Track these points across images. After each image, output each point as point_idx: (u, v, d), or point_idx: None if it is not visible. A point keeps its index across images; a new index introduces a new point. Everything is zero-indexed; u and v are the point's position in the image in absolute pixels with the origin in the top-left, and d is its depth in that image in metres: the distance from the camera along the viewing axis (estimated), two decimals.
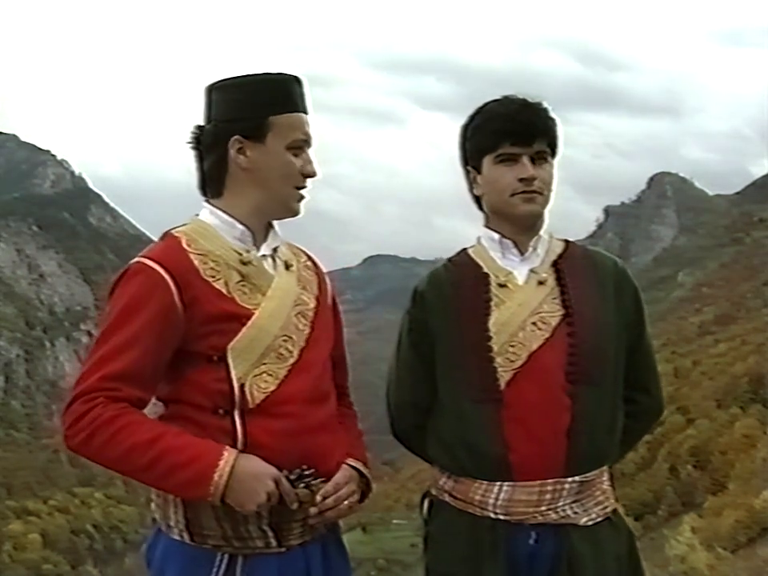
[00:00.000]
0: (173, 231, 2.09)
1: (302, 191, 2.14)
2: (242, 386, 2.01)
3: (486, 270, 2.28)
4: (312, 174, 2.12)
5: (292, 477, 2.00)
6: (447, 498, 2.27)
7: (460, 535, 2.22)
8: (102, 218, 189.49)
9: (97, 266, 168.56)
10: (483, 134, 2.25)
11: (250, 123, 2.06)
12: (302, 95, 2.14)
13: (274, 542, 2.03)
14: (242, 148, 2.07)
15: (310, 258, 2.26)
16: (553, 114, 2.27)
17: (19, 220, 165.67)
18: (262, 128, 2.07)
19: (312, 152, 2.15)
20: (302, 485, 2.01)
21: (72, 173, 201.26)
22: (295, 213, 2.16)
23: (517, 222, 2.26)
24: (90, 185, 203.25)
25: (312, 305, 2.15)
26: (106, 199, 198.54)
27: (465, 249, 2.36)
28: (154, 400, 2.07)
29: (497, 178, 2.24)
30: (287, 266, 2.15)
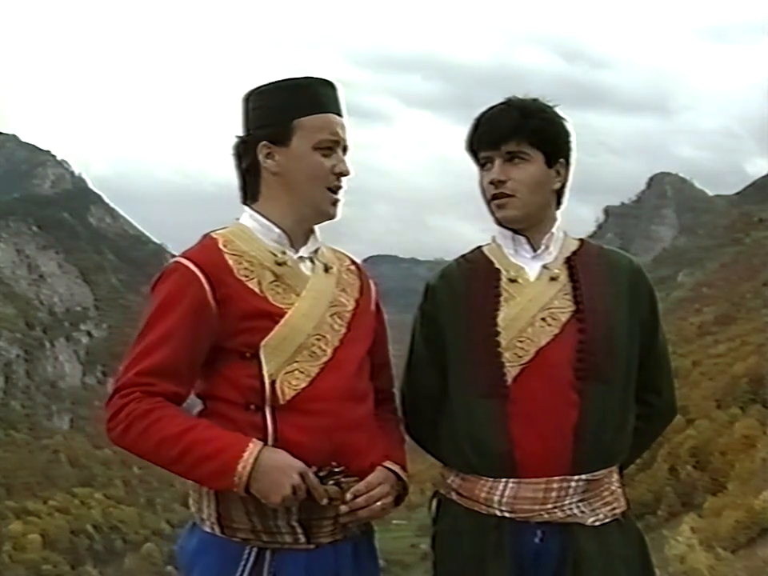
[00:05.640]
0: (212, 233, 2.16)
1: (336, 193, 2.15)
2: (272, 383, 2.04)
3: (497, 265, 2.28)
4: (344, 173, 2.13)
5: (321, 473, 2.01)
6: (454, 497, 2.26)
7: (466, 534, 2.21)
8: (102, 219, 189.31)
9: (97, 266, 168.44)
10: (466, 141, 2.31)
11: (276, 128, 2.11)
12: (331, 97, 2.16)
13: (302, 538, 2.04)
14: (270, 153, 2.12)
15: (354, 262, 2.29)
16: (541, 112, 2.25)
17: (19, 220, 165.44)
18: (287, 131, 2.11)
19: (347, 156, 2.17)
20: (332, 482, 2.02)
21: (72, 173, 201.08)
22: (330, 216, 2.17)
23: (502, 225, 2.29)
24: (90, 185, 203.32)
25: (350, 306, 2.17)
26: (106, 200, 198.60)
27: (479, 246, 2.37)
28: (193, 397, 2.12)
29: (480, 183, 2.29)
30: (327, 269, 2.17)
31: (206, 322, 2.05)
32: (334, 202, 2.15)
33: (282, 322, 2.06)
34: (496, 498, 2.17)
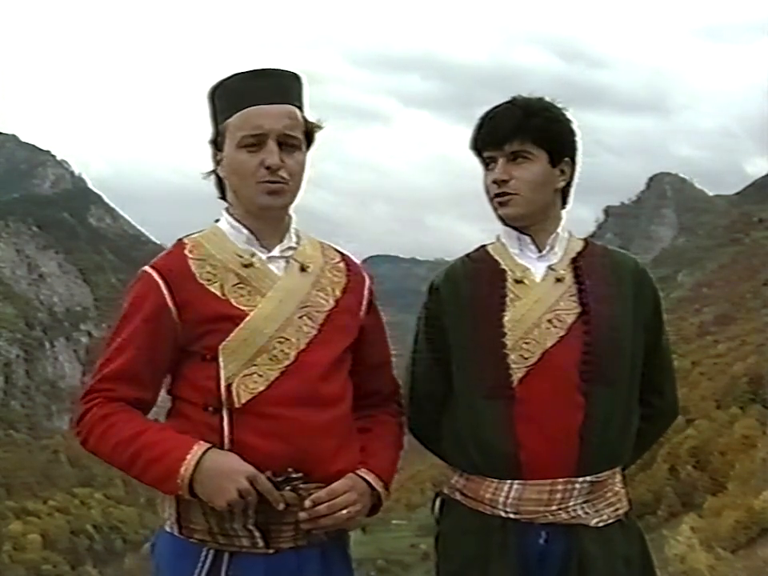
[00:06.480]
0: (183, 238, 2.15)
1: (271, 184, 2.07)
2: (228, 386, 2.02)
3: (503, 265, 2.27)
4: (271, 166, 2.05)
5: (278, 479, 1.98)
6: (458, 497, 2.26)
7: (470, 534, 2.21)
8: (102, 219, 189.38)
9: (96, 266, 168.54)
10: (470, 140, 2.31)
11: (215, 135, 2.14)
12: (259, 88, 2.08)
13: (261, 543, 2.01)
14: (219, 159, 2.13)
15: (345, 259, 2.23)
16: (545, 111, 2.24)
17: (19, 220, 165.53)
18: (222, 136, 2.11)
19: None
20: (289, 488, 1.99)
21: (72, 173, 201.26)
22: (269, 206, 2.09)
23: (506, 223, 2.28)
24: (90, 185, 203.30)
25: (327, 306, 2.12)
26: (106, 200, 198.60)
27: (484, 245, 2.36)
28: (166, 396, 2.13)
29: (484, 182, 2.29)
30: (303, 268, 2.13)
31: (166, 326, 2.05)
32: (270, 191, 2.06)
33: (242, 324, 2.03)
34: (501, 499, 2.17)
